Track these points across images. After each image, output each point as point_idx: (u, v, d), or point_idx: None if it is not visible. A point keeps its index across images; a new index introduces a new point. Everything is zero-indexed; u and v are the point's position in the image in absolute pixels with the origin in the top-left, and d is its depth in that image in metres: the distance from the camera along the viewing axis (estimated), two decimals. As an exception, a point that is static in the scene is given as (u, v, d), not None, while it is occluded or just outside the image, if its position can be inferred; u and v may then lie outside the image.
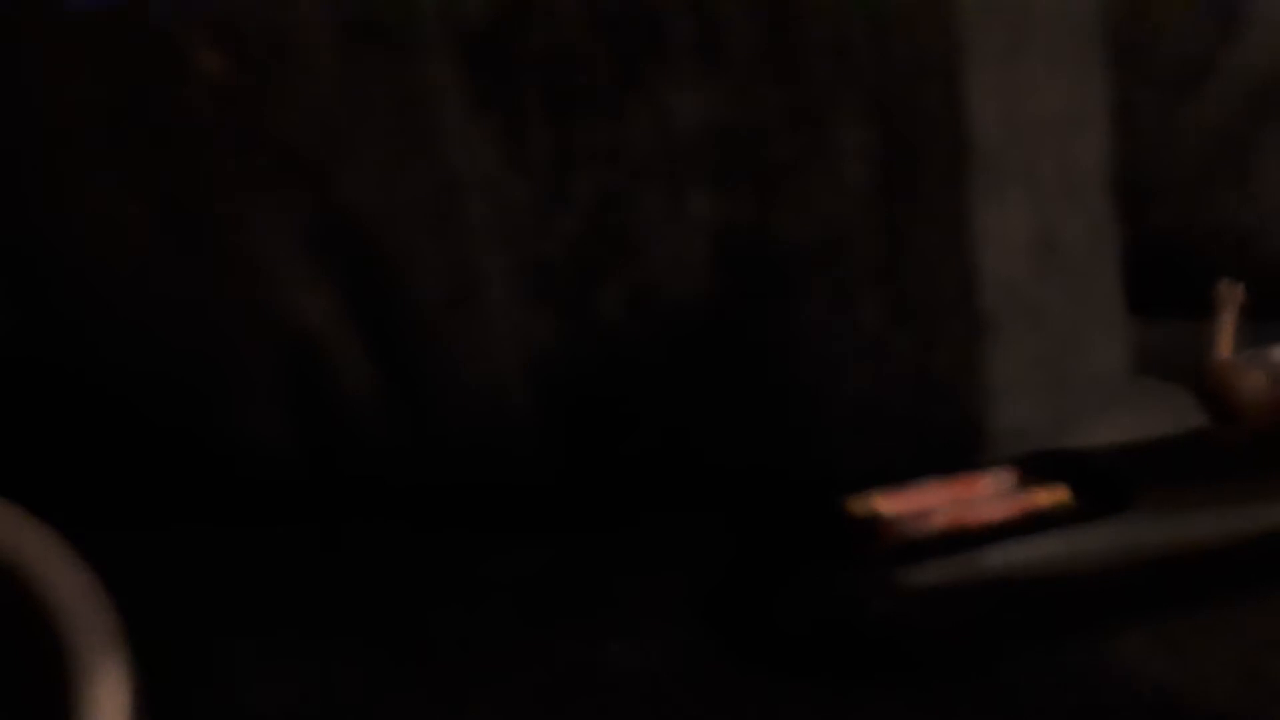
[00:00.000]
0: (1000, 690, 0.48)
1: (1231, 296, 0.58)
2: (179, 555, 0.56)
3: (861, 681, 0.48)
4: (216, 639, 0.50)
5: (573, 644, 0.50)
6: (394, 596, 0.53)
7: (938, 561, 0.50)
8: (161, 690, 0.43)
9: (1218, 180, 0.67)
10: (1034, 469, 0.54)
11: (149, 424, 0.57)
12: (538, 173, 0.55)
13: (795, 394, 0.56)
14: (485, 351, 0.56)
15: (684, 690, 0.48)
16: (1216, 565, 0.53)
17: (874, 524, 0.51)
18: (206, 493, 0.58)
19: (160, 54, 0.53)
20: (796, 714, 0.47)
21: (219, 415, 0.56)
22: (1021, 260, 0.57)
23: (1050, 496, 0.53)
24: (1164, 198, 0.66)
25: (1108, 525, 0.51)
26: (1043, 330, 0.58)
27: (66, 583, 0.39)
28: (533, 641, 0.50)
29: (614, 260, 0.55)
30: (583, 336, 0.56)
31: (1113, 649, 0.49)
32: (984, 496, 0.53)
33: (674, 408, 0.57)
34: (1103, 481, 0.53)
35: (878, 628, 0.49)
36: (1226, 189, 0.67)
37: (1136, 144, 0.62)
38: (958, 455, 0.56)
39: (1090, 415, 0.59)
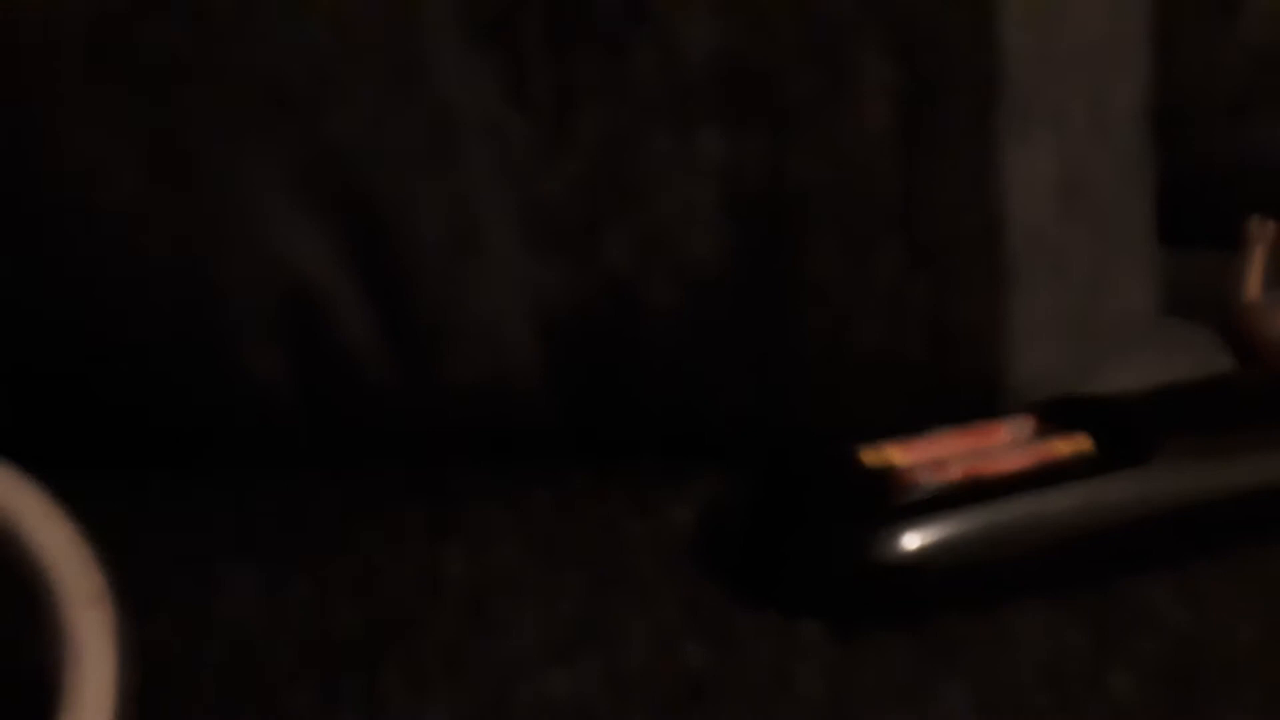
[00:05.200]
0: (1017, 641, 0.47)
1: (1262, 233, 0.56)
2: (175, 500, 0.55)
3: (873, 633, 0.47)
4: (216, 582, 0.50)
5: (579, 590, 0.49)
6: (397, 537, 0.52)
7: (953, 512, 0.49)
8: (157, 637, 0.43)
9: (1260, 106, 0.65)
10: (1053, 416, 0.53)
11: (143, 369, 0.56)
12: (538, 111, 0.52)
13: (807, 343, 0.55)
14: (486, 296, 0.54)
15: (690, 639, 0.47)
16: (1241, 512, 0.52)
17: (888, 474, 0.50)
18: (203, 437, 0.57)
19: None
20: (806, 666, 0.46)
21: (214, 359, 0.55)
22: (1047, 204, 0.55)
23: (1070, 444, 0.51)
24: (1202, 125, 0.63)
25: (1130, 473, 0.50)
26: (1067, 276, 0.56)
27: (51, 537, 0.39)
28: (538, 586, 0.49)
29: (620, 203, 0.53)
30: (588, 282, 0.54)
31: (1134, 598, 0.49)
32: (1001, 445, 0.52)
33: (682, 355, 0.55)
34: (1125, 428, 0.51)
35: (891, 579, 0.48)
36: (1268, 115, 0.65)
37: (1174, 70, 0.60)
38: (975, 407, 0.54)
39: (1113, 359, 0.57)
